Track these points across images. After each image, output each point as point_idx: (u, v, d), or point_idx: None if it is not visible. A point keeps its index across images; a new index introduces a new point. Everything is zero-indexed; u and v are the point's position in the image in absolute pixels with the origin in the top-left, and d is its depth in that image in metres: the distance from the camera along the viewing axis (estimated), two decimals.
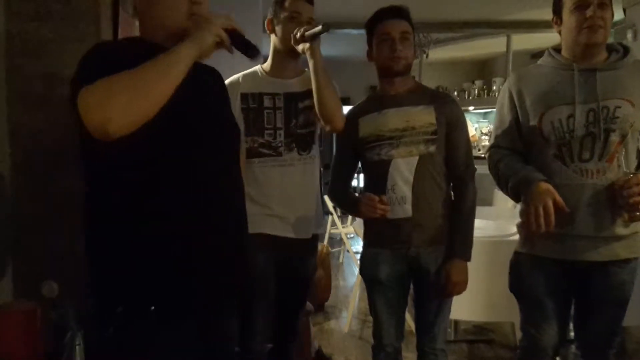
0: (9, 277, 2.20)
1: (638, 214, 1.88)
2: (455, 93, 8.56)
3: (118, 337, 1.32)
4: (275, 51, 2.23)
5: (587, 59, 1.98)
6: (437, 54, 8.44)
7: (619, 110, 1.89)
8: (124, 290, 1.33)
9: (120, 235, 1.32)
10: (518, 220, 2.16)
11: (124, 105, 1.18)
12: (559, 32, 2.04)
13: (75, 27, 2.22)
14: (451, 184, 2.21)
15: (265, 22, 2.23)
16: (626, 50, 2.00)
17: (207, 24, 1.35)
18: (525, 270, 2.08)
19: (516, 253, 2.14)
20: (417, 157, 2.10)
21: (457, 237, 2.14)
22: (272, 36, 2.23)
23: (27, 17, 2.21)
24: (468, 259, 2.15)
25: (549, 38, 8.14)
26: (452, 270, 2.11)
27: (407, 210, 2.11)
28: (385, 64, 2.14)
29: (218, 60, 1.48)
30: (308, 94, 2.19)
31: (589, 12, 1.90)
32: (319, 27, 2.04)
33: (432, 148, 2.11)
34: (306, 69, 2.26)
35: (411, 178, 2.10)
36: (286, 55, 2.20)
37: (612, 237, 1.93)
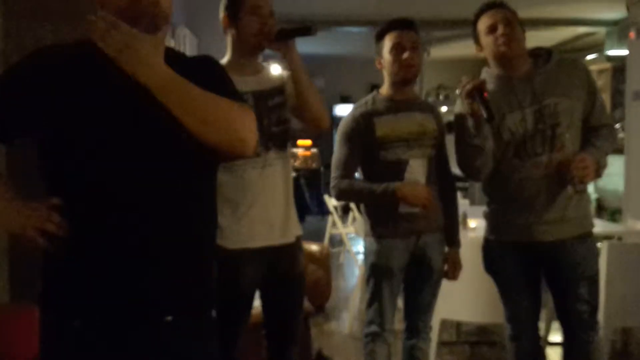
0: (6, 278, 2.19)
1: (582, 185, 2.21)
2: (457, 91, 8.56)
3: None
4: (235, 48, 2.12)
5: (516, 69, 2.26)
6: (438, 52, 8.43)
7: (559, 106, 2.21)
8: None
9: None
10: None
11: None
12: (485, 56, 2.33)
13: (74, 26, 2.20)
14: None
15: (221, 19, 2.11)
16: (549, 53, 2.32)
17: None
18: (494, 254, 2.38)
19: (486, 239, 2.42)
20: (427, 159, 2.36)
21: (454, 228, 2.50)
22: (230, 33, 2.11)
23: (25, 16, 2.19)
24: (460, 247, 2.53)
25: (549, 36, 8.20)
26: (456, 258, 2.48)
27: None
28: (398, 72, 2.32)
29: None
30: (276, 91, 2.13)
31: (499, 32, 2.22)
32: (308, 28, 2.00)
33: (434, 151, 2.38)
34: (264, 64, 2.20)
35: (423, 177, 2.34)
36: (247, 52, 2.10)
37: (561, 219, 2.22)
